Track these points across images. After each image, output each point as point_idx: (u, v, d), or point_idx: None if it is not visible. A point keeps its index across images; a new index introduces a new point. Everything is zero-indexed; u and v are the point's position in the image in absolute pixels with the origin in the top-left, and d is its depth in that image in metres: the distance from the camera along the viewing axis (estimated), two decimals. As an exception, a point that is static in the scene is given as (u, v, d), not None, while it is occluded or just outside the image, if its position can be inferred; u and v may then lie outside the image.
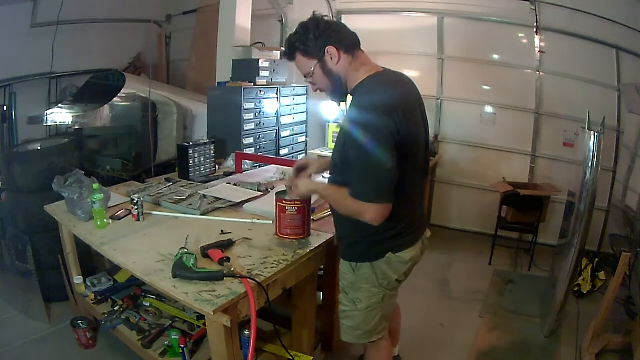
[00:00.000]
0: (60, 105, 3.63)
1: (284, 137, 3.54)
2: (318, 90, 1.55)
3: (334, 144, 1.60)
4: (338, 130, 1.69)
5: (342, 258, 1.62)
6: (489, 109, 3.91)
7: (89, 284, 2.29)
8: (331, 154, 1.55)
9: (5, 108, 3.65)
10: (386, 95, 1.34)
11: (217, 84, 3.37)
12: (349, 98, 1.48)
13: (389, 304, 1.56)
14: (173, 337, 1.85)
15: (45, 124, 3.42)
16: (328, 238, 1.74)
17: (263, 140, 3.32)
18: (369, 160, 1.25)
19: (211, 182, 2.45)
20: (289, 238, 1.67)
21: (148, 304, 2.19)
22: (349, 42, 1.48)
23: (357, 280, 1.53)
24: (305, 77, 1.52)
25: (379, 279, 1.48)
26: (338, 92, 1.50)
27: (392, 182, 1.29)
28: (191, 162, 2.56)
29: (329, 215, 1.96)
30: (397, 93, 1.38)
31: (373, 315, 1.54)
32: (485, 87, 3.91)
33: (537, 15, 3.55)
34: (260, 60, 3.29)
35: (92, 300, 2.23)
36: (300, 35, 1.48)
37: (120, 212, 1.94)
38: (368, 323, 1.55)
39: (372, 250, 1.47)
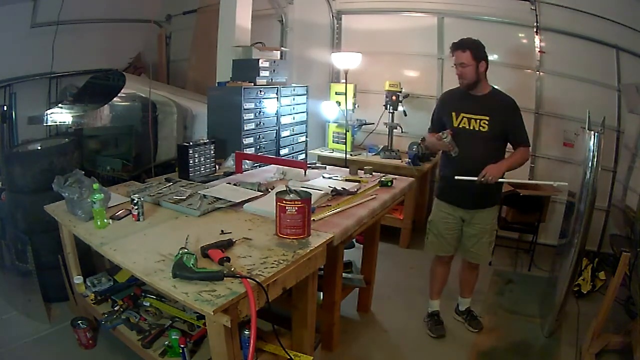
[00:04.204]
0: (60, 105, 3.62)
1: (284, 137, 3.53)
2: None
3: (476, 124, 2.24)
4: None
5: (490, 206, 2.38)
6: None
7: (89, 284, 2.29)
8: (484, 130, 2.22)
9: (5, 108, 3.65)
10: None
11: (217, 84, 3.36)
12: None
13: None
14: (173, 337, 1.85)
15: (45, 124, 3.42)
16: (328, 238, 1.74)
17: (263, 140, 3.32)
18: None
19: (211, 182, 2.45)
20: (289, 238, 1.68)
21: (148, 304, 2.19)
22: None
23: (496, 216, 2.43)
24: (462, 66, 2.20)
25: None
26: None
27: None
28: (191, 162, 2.55)
29: (329, 215, 1.97)
30: None
31: None
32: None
33: (537, 15, 3.55)
34: (260, 60, 3.28)
35: (92, 300, 2.23)
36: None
37: (120, 212, 1.94)
38: None
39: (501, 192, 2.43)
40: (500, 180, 2.18)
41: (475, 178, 2.13)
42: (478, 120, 2.21)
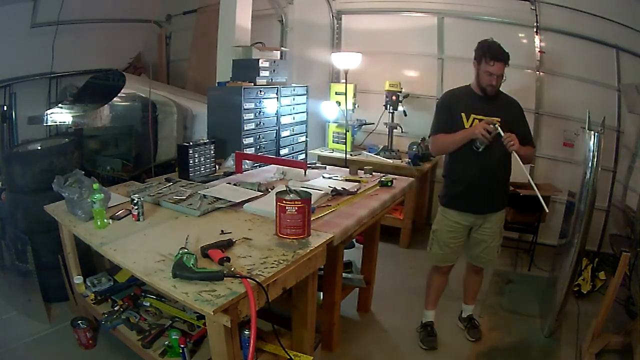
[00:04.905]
0: (60, 105, 3.62)
1: (284, 137, 3.53)
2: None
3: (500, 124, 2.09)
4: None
5: (502, 209, 2.33)
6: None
7: (89, 284, 2.29)
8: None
9: (5, 108, 3.65)
10: None
11: (217, 84, 3.36)
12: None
13: None
14: (173, 337, 1.85)
15: (45, 124, 3.42)
16: (328, 238, 1.74)
17: (263, 140, 3.32)
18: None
19: (211, 182, 2.45)
20: (289, 238, 1.68)
21: (148, 304, 2.19)
22: None
23: (503, 219, 2.37)
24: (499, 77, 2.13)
25: None
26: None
27: None
28: (191, 162, 2.56)
29: (329, 215, 1.97)
30: None
31: None
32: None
33: (537, 15, 3.55)
34: (260, 60, 3.28)
35: (92, 300, 2.23)
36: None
37: (120, 212, 1.94)
38: None
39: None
40: (514, 150, 2.05)
41: (503, 134, 2.03)
42: None
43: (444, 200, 2.35)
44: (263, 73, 3.31)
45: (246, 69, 3.29)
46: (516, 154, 2.07)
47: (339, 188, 2.29)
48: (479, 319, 2.59)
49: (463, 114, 2.17)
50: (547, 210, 2.21)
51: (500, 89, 2.20)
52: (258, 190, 2.24)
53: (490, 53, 2.09)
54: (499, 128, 2.04)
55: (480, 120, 2.12)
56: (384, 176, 2.60)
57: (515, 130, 2.10)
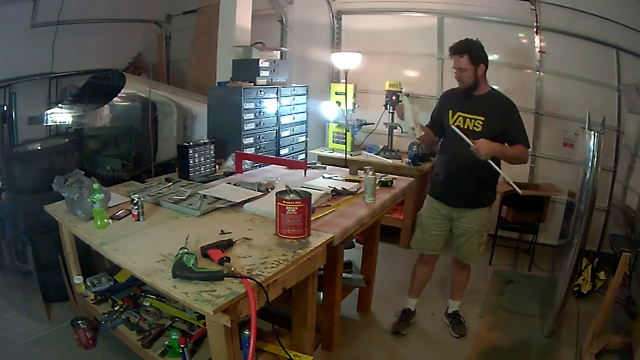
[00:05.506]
0: (60, 105, 3.62)
1: (284, 137, 3.53)
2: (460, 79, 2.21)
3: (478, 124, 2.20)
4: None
5: (481, 207, 2.32)
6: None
7: (89, 284, 2.29)
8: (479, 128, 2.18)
9: (5, 108, 3.65)
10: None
11: (217, 84, 3.36)
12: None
13: None
14: (173, 337, 1.85)
15: (45, 124, 3.42)
16: (328, 238, 1.74)
17: (263, 140, 3.32)
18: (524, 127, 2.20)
19: (211, 182, 2.45)
20: (289, 238, 1.68)
21: (148, 304, 2.19)
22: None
23: (485, 218, 2.36)
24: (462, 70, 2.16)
25: None
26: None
27: None
28: (191, 162, 2.56)
29: (329, 215, 1.97)
30: None
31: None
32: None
33: (537, 15, 3.55)
34: (260, 60, 3.28)
35: (92, 300, 2.23)
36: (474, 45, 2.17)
37: (120, 212, 1.94)
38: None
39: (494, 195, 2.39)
40: (489, 161, 2.06)
41: (472, 143, 2.05)
42: (473, 120, 2.19)
43: (429, 187, 2.53)
44: (263, 73, 3.31)
45: (246, 69, 3.29)
46: (491, 162, 2.08)
47: (339, 188, 2.29)
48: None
49: (450, 111, 2.27)
50: (520, 192, 2.23)
51: (495, 87, 2.28)
52: (258, 190, 2.24)
53: (449, 51, 2.21)
54: (468, 139, 2.08)
55: (464, 117, 2.22)
56: (384, 176, 2.60)
57: (502, 130, 2.16)
